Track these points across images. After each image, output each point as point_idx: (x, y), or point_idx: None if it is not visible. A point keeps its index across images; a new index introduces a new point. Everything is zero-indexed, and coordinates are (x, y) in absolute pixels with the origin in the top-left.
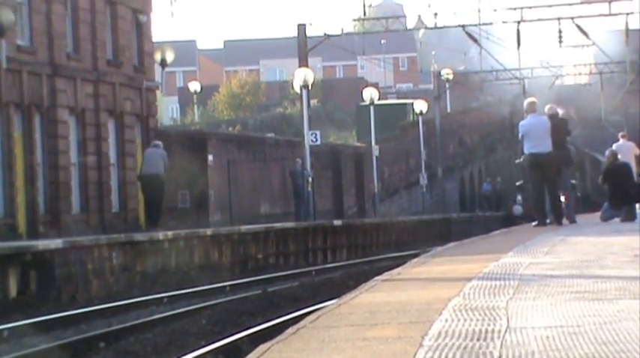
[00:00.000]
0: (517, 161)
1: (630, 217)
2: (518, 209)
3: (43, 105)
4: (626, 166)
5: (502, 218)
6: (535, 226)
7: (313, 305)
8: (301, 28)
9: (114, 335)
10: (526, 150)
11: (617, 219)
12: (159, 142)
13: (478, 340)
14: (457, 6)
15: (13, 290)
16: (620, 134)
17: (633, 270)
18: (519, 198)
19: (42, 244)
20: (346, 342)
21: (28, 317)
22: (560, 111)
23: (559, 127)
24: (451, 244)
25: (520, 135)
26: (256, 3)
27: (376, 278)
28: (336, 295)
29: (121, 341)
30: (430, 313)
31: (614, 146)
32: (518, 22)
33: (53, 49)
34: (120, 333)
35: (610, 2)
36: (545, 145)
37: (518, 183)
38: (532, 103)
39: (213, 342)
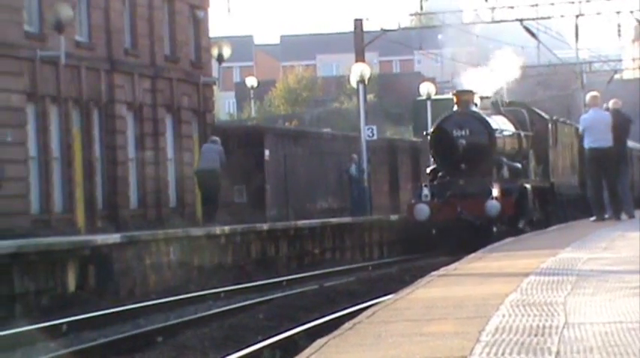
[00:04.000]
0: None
1: None
2: (422, 210)
3: (101, 100)
4: None
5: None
6: (593, 221)
7: (369, 300)
8: (358, 22)
9: (171, 329)
10: (586, 145)
11: None
12: (216, 138)
13: (536, 335)
14: (514, 0)
15: (71, 284)
16: None
17: None
18: (425, 191)
19: (100, 239)
20: (402, 337)
21: (87, 312)
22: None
23: (622, 123)
24: (508, 239)
25: (581, 129)
26: None
27: (433, 273)
28: (393, 290)
29: (178, 335)
30: (487, 308)
31: None
32: (577, 16)
33: (111, 45)
34: (177, 328)
35: None
36: (606, 140)
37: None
38: (594, 97)
39: (270, 337)
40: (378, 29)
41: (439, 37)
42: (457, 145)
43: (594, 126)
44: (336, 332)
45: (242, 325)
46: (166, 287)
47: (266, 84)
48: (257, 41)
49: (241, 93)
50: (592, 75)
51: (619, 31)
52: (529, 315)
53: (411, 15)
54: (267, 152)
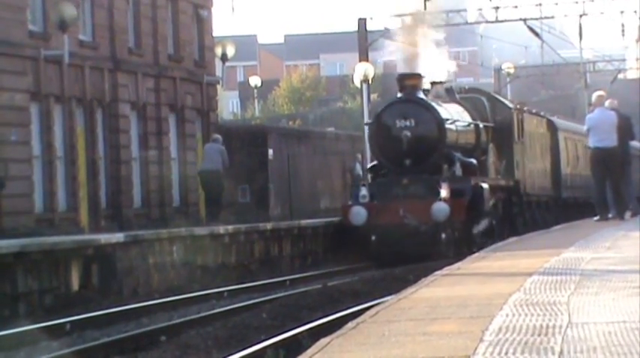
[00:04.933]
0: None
1: None
2: (359, 214)
3: (105, 99)
4: None
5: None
6: (597, 221)
7: (373, 299)
8: (362, 22)
9: (175, 328)
10: (591, 144)
11: None
12: (218, 136)
13: (539, 335)
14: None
15: (75, 284)
16: None
17: None
18: (363, 191)
19: (104, 238)
20: (406, 337)
21: (90, 311)
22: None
23: (625, 123)
24: (512, 239)
25: (586, 128)
26: None
27: (436, 272)
28: (396, 290)
29: (181, 334)
30: (491, 308)
31: None
32: (581, 16)
33: (115, 44)
34: (181, 327)
35: None
36: (611, 140)
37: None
38: (600, 97)
39: (273, 336)
40: (383, 28)
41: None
42: (400, 138)
43: (599, 125)
44: (339, 332)
45: (245, 324)
46: (170, 287)
47: (270, 83)
48: (261, 40)
49: (245, 92)
50: (595, 74)
51: (623, 30)
52: (532, 315)
53: (415, 14)
54: (270, 151)
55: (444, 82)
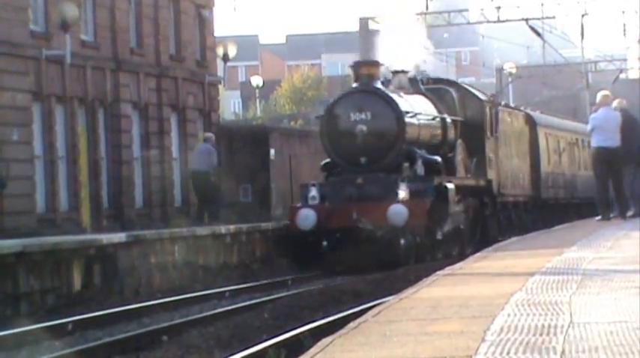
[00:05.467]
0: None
1: None
2: (307, 217)
3: (107, 99)
4: None
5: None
6: (598, 220)
7: (374, 299)
8: (363, 22)
9: (177, 328)
10: (595, 143)
11: None
12: (209, 135)
13: (541, 335)
14: None
15: (77, 283)
16: None
17: None
18: (313, 192)
19: (105, 238)
20: (408, 336)
21: (92, 311)
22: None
23: (630, 123)
24: (513, 238)
25: (590, 127)
26: None
27: (438, 272)
28: (398, 289)
29: (183, 334)
30: (492, 308)
31: None
32: (583, 16)
33: (117, 44)
34: (183, 327)
35: None
36: (615, 140)
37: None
38: (605, 96)
39: (275, 336)
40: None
41: (445, 35)
42: (355, 133)
43: (604, 125)
44: (341, 331)
45: (247, 324)
46: (172, 287)
47: (271, 83)
48: (262, 41)
49: (247, 92)
50: (597, 74)
51: (624, 30)
52: (534, 314)
53: (417, 14)
54: (272, 151)
55: (407, 72)
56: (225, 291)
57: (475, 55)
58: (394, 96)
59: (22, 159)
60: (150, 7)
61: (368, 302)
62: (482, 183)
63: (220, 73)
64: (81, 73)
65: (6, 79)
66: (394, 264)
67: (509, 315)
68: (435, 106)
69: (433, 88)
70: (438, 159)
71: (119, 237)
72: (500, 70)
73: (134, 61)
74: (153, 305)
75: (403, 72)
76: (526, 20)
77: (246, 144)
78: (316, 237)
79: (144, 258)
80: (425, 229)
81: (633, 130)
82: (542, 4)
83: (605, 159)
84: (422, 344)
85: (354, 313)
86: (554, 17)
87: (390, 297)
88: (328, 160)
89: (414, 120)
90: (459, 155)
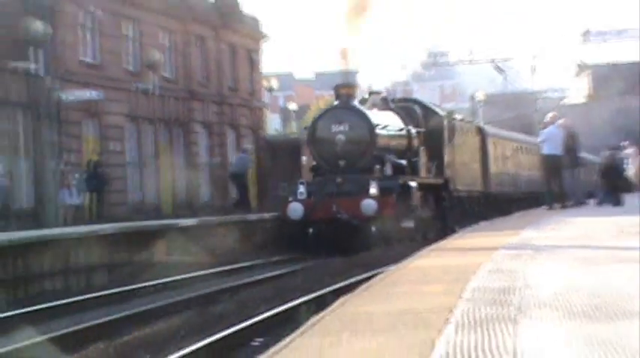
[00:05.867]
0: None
1: (618, 203)
2: (296, 209)
3: (182, 120)
4: (618, 165)
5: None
6: (546, 209)
7: (380, 268)
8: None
9: (235, 289)
10: (545, 151)
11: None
12: (247, 147)
13: (503, 294)
14: (489, 43)
15: (160, 255)
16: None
17: (618, 242)
18: (301, 189)
19: (182, 222)
20: (406, 295)
21: (172, 276)
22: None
23: (571, 137)
24: (482, 223)
25: (541, 139)
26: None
27: (426, 248)
28: (398, 261)
29: (241, 293)
30: (467, 274)
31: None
32: (533, 57)
33: (189, 80)
34: (240, 288)
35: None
36: (559, 149)
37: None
38: (553, 116)
39: (307, 294)
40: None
41: (432, 72)
42: (335, 141)
43: (551, 138)
44: (355, 292)
45: (286, 287)
46: (230, 259)
47: (303, 107)
48: (296, 76)
49: (285, 114)
50: (544, 101)
51: (566, 68)
52: (499, 279)
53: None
54: (304, 158)
55: (380, 93)
56: (269, 262)
57: (455, 86)
58: (367, 112)
59: (118, 164)
60: (213, 51)
61: (375, 270)
62: (440, 181)
63: (265, 100)
64: (164, 101)
65: (109, 105)
66: (367, 247)
67: (480, 280)
68: (403, 120)
69: (402, 105)
70: (404, 162)
71: (192, 221)
72: (472, 98)
73: (202, 92)
74: (215, 272)
75: (377, 93)
76: (492, 61)
77: (285, 153)
78: (303, 226)
79: (209, 236)
80: (392, 219)
81: (573, 143)
82: (502, 49)
83: (551, 163)
84: (417, 300)
85: (364, 278)
86: (512, 59)
87: (392, 266)
88: (315, 163)
89: (383, 131)
90: (422, 159)
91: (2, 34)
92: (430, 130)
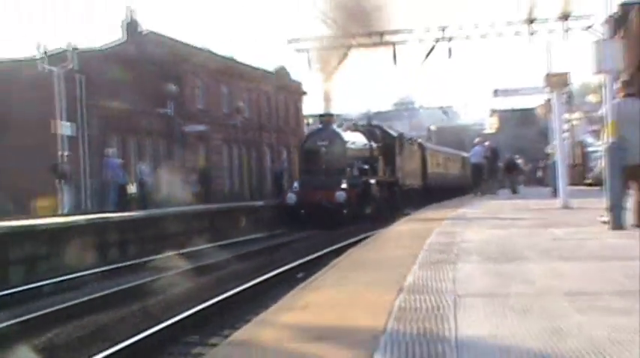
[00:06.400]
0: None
1: (515, 192)
2: (291, 198)
3: (255, 143)
4: (514, 163)
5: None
6: (473, 196)
7: (371, 232)
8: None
9: (268, 250)
10: (472, 161)
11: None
12: (283, 159)
13: (448, 246)
14: (438, 94)
15: (242, 224)
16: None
17: (514, 215)
18: (296, 184)
19: (257, 204)
20: (390, 248)
21: (237, 238)
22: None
23: (492, 152)
24: (434, 204)
25: (470, 154)
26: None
27: (402, 219)
28: (383, 227)
29: (274, 254)
30: (425, 234)
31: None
32: (465, 104)
33: (260, 117)
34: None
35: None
36: (481, 158)
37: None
38: (479, 141)
39: (323, 249)
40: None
41: (405, 114)
42: (320, 152)
43: (476, 153)
44: (357, 246)
45: (308, 245)
46: (274, 227)
47: None
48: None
49: None
50: (472, 131)
51: (484, 111)
52: (445, 237)
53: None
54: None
55: (352, 120)
56: (275, 234)
57: (417, 121)
58: (342, 133)
59: (219, 167)
60: (274, 102)
61: (366, 233)
62: (392, 179)
63: (305, 130)
64: (244, 132)
65: (212, 134)
66: (340, 224)
67: (433, 237)
68: (367, 139)
69: (367, 128)
70: (367, 166)
71: (260, 203)
72: (428, 129)
73: (267, 125)
74: (253, 238)
75: (350, 120)
76: (441, 107)
77: None
78: (297, 209)
79: (264, 212)
80: (357, 205)
81: (494, 156)
82: (449, 95)
83: (477, 168)
84: (397, 250)
85: (362, 238)
86: (452, 106)
87: (381, 230)
88: (305, 167)
89: (353, 146)
90: (380, 165)
91: (151, 92)
92: (386, 145)
